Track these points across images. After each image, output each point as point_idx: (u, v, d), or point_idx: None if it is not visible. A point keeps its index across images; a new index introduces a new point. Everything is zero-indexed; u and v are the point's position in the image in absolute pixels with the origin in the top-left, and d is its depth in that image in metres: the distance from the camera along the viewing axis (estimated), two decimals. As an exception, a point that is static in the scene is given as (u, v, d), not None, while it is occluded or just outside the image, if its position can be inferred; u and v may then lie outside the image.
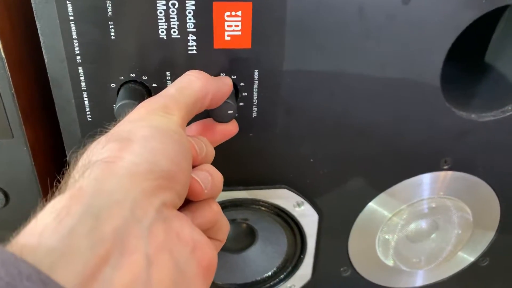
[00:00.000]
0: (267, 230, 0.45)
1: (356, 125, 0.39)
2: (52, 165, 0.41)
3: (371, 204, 0.45)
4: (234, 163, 0.40)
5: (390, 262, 0.49)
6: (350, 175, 0.42)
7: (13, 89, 0.33)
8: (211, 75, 0.34)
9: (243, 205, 0.42)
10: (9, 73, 0.32)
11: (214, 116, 0.34)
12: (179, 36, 0.33)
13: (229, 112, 0.33)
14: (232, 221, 0.44)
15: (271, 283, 0.48)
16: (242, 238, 0.46)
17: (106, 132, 0.26)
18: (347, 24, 0.34)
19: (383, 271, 0.50)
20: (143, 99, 0.33)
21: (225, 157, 0.39)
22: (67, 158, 0.37)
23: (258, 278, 0.48)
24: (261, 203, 0.42)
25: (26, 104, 0.35)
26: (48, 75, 0.33)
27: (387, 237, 0.47)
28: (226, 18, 0.32)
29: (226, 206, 0.42)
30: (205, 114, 0.33)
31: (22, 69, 0.35)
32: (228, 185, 0.41)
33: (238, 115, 0.37)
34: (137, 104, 0.32)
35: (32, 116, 0.37)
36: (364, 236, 0.47)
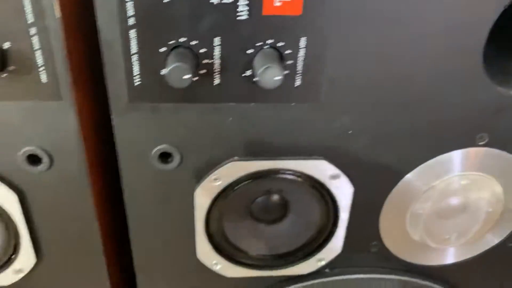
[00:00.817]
0: (300, 202, 0.46)
1: (396, 96, 0.39)
2: (96, 129, 0.42)
3: (405, 179, 0.45)
4: (273, 131, 0.40)
5: (419, 238, 0.50)
6: (386, 148, 0.43)
7: (65, 50, 0.34)
8: (258, 41, 0.35)
9: (279, 175, 0.42)
10: (63, 33, 0.33)
11: (261, 83, 0.34)
12: (229, 1, 0.33)
13: (275, 78, 0.34)
14: (266, 192, 0.45)
15: (302, 255, 0.49)
16: (275, 210, 0.47)
17: None
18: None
19: (412, 247, 0.50)
20: (192, 64, 0.34)
21: (265, 125, 0.40)
22: (113, 122, 0.38)
23: (290, 250, 0.48)
24: (297, 174, 0.42)
25: (76, 67, 0.36)
26: (100, 37, 0.34)
27: (418, 212, 0.48)
28: (279, -17, 0.32)
29: (262, 175, 0.42)
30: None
31: (75, 30, 0.35)
32: (265, 154, 0.41)
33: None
34: (189, 68, 0.33)
35: (80, 79, 0.37)
36: (396, 211, 0.47)
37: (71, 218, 0.43)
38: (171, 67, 0.32)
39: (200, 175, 0.42)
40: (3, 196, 0.40)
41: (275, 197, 0.46)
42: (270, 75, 0.34)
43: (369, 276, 0.51)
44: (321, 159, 0.42)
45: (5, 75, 0.34)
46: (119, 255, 0.52)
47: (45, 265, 0.46)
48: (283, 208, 0.47)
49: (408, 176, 0.45)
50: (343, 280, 0.50)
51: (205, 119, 0.39)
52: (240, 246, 0.47)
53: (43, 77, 0.35)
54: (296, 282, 0.50)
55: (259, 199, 0.45)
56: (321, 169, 0.42)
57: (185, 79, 0.33)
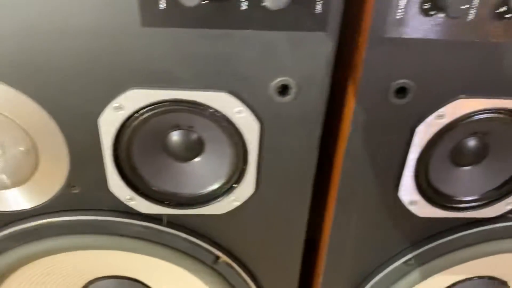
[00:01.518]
0: (504, 145, 0.48)
1: None
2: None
3: None
4: (499, 70, 0.42)
5: None
6: None
7: (347, -19, 0.36)
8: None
9: (498, 114, 0.44)
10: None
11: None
12: None
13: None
14: (472, 135, 0.47)
15: (493, 198, 0.51)
16: (474, 152, 0.49)
17: None
18: None
19: None
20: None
21: (495, 64, 0.42)
22: (364, 56, 0.40)
23: (482, 192, 0.50)
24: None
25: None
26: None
27: None
28: None
29: (481, 114, 0.44)
30: None
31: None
32: (489, 93, 0.43)
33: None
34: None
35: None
36: None
37: (296, 151, 0.46)
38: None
39: (424, 112, 0.44)
40: (247, 124, 0.43)
41: (478, 141, 0.48)
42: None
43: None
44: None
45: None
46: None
47: (258, 197, 0.49)
48: (484, 150, 0.49)
49: None
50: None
51: (446, 56, 0.41)
52: (439, 187, 0.50)
53: (318, 8, 0.37)
54: (479, 226, 0.53)
55: (464, 141, 0.48)
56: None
57: (463, 8, 0.35)
